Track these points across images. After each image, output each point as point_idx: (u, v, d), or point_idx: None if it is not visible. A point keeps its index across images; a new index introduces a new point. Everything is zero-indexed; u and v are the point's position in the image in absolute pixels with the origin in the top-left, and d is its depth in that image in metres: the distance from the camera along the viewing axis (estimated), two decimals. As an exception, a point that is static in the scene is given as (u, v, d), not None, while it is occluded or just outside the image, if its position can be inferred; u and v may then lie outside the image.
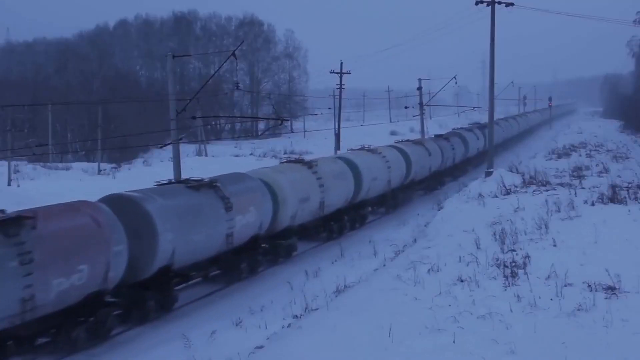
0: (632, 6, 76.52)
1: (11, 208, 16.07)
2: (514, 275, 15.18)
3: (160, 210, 17.81)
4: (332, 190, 27.12)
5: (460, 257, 17.37)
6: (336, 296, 17.48)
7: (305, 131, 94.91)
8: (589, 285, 13.85)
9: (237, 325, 16.96)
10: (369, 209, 33.12)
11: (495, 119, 69.05)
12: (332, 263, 23.78)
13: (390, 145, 38.25)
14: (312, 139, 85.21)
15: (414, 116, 56.64)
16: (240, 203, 21.19)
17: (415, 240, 24.28)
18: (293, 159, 28.41)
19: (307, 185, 25.54)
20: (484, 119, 70.35)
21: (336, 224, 28.67)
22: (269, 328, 16.08)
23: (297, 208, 24.56)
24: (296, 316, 16.76)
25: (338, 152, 47.90)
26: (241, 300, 19.68)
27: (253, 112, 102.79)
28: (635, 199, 22.22)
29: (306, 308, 17.17)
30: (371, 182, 31.40)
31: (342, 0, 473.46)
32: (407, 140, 42.72)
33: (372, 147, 35.24)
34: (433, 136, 48.50)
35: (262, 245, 23.45)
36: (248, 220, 21.69)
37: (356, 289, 17.51)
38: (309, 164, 26.93)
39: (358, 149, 34.16)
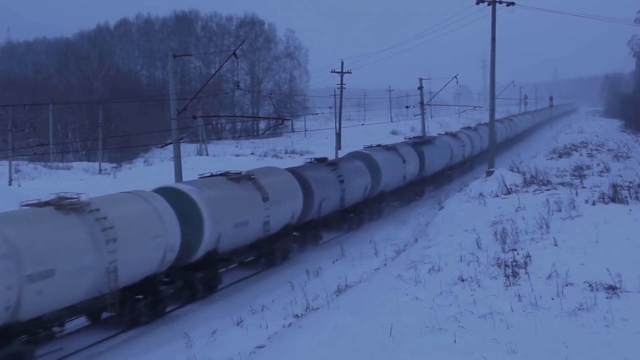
0: (633, 5, 76.55)
1: (12, 208, 16.09)
2: (514, 274, 15.17)
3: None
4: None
5: (461, 257, 17.37)
6: (337, 296, 17.47)
7: (306, 131, 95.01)
8: (590, 285, 13.84)
9: (238, 324, 16.96)
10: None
11: (477, 123, 65.00)
12: (333, 262, 23.79)
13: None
14: (313, 138, 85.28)
15: (414, 116, 56.63)
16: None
17: (416, 240, 24.27)
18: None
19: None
20: (484, 118, 70.36)
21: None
22: (269, 327, 16.08)
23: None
24: (297, 316, 16.77)
25: (339, 150, 47.86)
26: (242, 300, 19.70)
27: (254, 112, 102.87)
28: (637, 198, 22.19)
29: (307, 307, 17.18)
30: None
31: (342, 0, 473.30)
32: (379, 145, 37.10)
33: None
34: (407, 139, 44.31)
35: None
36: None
37: (357, 288, 17.51)
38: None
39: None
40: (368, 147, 36.28)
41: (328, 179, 28.12)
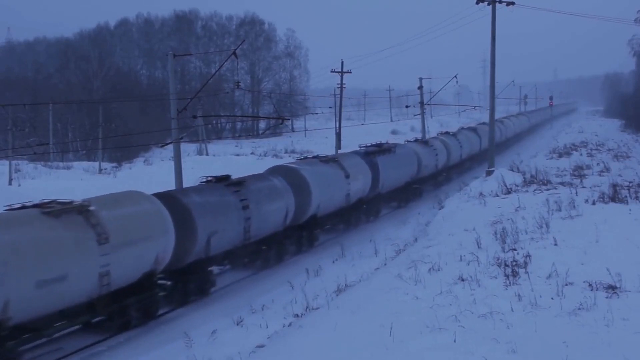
0: (633, 5, 76.51)
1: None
2: (514, 274, 15.17)
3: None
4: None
5: (461, 256, 17.37)
6: (337, 295, 17.49)
7: (306, 130, 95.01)
8: (590, 285, 13.84)
9: (238, 324, 16.98)
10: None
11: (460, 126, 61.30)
12: (333, 262, 23.81)
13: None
14: (313, 138, 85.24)
15: (414, 115, 56.63)
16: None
17: (416, 240, 24.29)
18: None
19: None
20: (484, 117, 70.32)
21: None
22: (269, 327, 16.10)
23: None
24: (297, 315, 16.78)
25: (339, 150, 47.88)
26: (242, 299, 19.71)
27: (254, 112, 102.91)
28: (636, 198, 22.20)
29: (307, 307, 17.20)
30: None
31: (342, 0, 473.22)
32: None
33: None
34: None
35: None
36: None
37: (357, 288, 17.52)
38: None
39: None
40: (309, 158, 30.73)
41: (223, 205, 21.46)
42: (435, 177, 43.61)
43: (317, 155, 30.69)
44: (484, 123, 61.85)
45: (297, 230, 26.30)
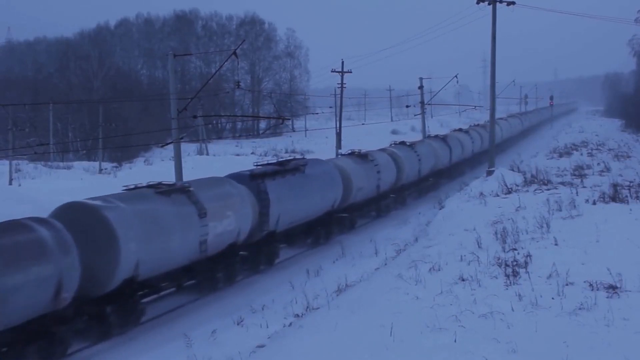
0: (633, 5, 76.51)
1: (12, 207, 16.11)
2: (515, 274, 15.17)
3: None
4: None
5: (461, 256, 17.36)
6: (337, 295, 17.48)
7: (306, 130, 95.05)
8: (591, 284, 13.83)
9: (238, 324, 16.97)
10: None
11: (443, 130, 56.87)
12: (334, 262, 23.80)
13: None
14: (313, 138, 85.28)
15: (415, 115, 56.64)
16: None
17: (416, 239, 24.27)
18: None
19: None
20: (485, 117, 70.30)
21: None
22: (270, 327, 16.09)
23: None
24: (297, 315, 16.77)
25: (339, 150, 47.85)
26: (242, 299, 19.69)
27: (254, 111, 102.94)
28: (637, 198, 22.20)
29: (307, 307, 17.19)
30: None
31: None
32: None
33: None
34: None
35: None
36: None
37: (357, 288, 17.52)
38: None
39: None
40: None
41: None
42: (377, 202, 33.95)
43: (160, 184, 19.49)
44: (457, 130, 54.42)
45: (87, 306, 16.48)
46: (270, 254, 24.00)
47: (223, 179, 22.31)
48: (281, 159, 27.31)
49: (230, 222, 20.78)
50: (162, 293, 19.30)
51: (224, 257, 21.24)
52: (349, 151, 33.50)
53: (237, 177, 23.01)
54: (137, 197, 18.01)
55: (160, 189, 18.87)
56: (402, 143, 40.34)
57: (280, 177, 24.56)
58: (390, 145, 39.09)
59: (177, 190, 19.30)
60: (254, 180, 23.23)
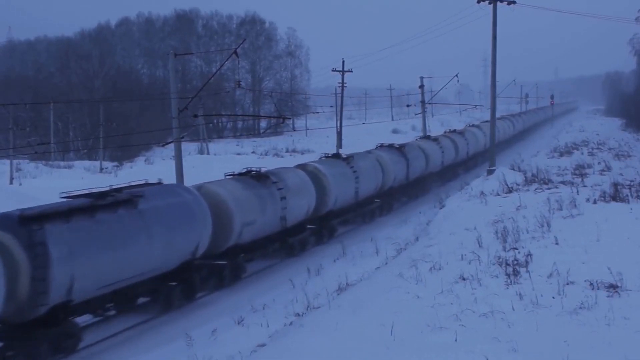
0: (633, 4, 76.35)
1: (13, 207, 16.12)
2: (515, 273, 15.16)
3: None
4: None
5: (462, 255, 17.36)
6: (338, 294, 17.48)
7: (307, 129, 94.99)
8: (591, 284, 13.84)
9: (238, 323, 16.98)
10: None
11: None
12: (334, 261, 23.81)
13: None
14: (314, 137, 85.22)
15: (415, 114, 56.68)
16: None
17: (417, 239, 24.27)
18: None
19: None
20: (485, 116, 70.30)
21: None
22: (270, 326, 16.09)
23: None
24: (298, 314, 16.78)
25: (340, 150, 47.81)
26: (243, 299, 19.70)
27: (255, 111, 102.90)
28: (638, 197, 22.17)
29: (308, 306, 17.19)
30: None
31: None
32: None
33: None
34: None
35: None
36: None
37: (358, 287, 17.52)
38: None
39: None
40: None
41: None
42: (301, 232, 26.59)
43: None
44: (426, 138, 46.01)
45: None
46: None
47: None
48: (112, 186, 18.11)
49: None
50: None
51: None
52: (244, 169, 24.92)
53: None
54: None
55: None
56: (336, 156, 32.07)
57: (80, 218, 15.83)
58: (320, 158, 31.22)
59: None
60: (25, 226, 14.61)
